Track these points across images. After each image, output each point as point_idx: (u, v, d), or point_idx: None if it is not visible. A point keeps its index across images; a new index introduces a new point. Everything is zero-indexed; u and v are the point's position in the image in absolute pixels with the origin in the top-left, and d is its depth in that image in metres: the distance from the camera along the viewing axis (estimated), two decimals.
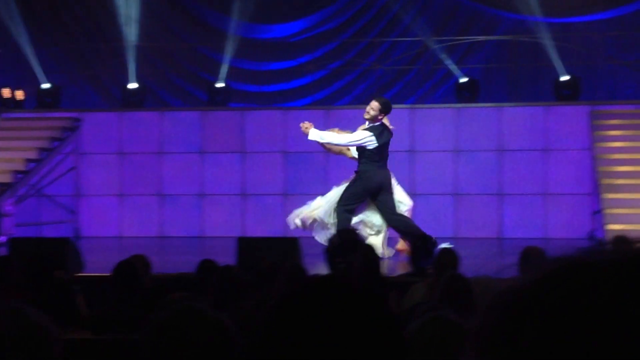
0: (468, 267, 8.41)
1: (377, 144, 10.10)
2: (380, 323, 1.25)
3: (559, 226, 13.52)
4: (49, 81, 15.62)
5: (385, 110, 10.13)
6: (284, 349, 1.21)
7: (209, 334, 2.04)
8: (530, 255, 6.35)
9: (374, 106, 10.15)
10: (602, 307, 0.78)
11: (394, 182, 10.43)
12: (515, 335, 0.81)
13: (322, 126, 14.43)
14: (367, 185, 10.15)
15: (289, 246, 8.81)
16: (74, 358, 4.70)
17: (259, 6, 15.90)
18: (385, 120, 10.26)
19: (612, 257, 0.83)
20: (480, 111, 14.22)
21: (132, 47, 15.72)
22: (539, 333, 0.79)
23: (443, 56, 15.48)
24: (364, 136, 10.16)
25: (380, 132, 10.17)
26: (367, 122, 10.23)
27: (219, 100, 15.35)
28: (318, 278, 1.34)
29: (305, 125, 10.38)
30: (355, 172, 10.33)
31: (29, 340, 2.08)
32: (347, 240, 8.72)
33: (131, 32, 15.89)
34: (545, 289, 0.81)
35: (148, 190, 14.63)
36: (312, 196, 14.31)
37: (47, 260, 6.91)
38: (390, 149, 14.21)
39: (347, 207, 10.26)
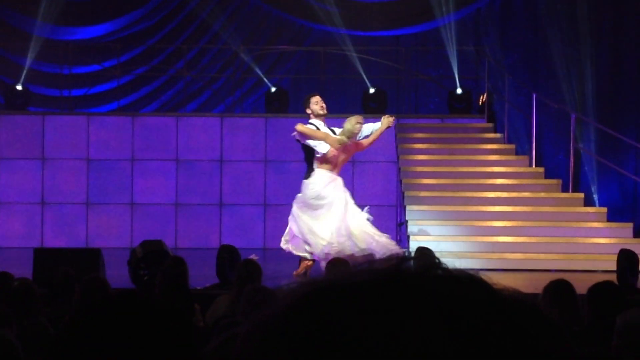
0: (275, 279, 8.37)
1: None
2: (177, 340, 1.22)
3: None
4: None
5: None
6: None
7: None
8: (335, 266, 6.39)
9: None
10: (346, 332, 0.77)
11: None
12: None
13: (129, 133, 14.07)
14: None
15: (89, 258, 8.46)
16: None
17: (63, 7, 15.30)
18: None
19: (366, 277, 0.81)
20: (289, 121, 14.24)
21: None
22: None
23: (252, 65, 15.46)
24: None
25: None
26: (317, 119, 9.87)
27: (17, 104, 14.62)
28: (116, 293, 1.31)
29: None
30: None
31: None
32: (152, 252, 8.48)
33: None
34: (291, 318, 0.80)
35: None
36: (116, 205, 13.93)
37: None
38: (199, 157, 14.09)
39: None
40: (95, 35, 16.26)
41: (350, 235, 9.49)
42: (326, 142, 9.77)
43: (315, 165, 9.92)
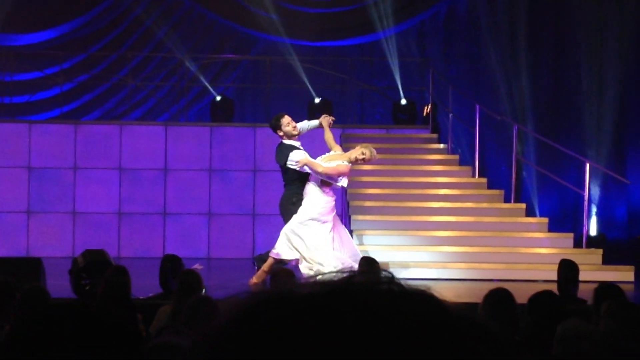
0: (218, 288, 8.32)
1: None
2: (122, 349, 1.21)
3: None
4: None
5: None
6: None
7: None
8: (279, 277, 6.38)
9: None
10: (292, 344, 0.77)
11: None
12: None
13: (71, 141, 13.90)
14: None
15: (30, 267, 8.33)
16: None
17: (5, 14, 15.08)
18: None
19: (316, 289, 0.81)
20: (235, 131, 14.23)
21: None
22: None
23: (197, 73, 15.40)
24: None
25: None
26: (291, 139, 9.81)
27: None
28: (59, 303, 1.29)
29: None
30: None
31: None
32: (94, 262, 8.37)
33: None
34: (237, 328, 0.80)
35: None
36: (58, 214, 13.74)
37: None
38: (143, 166, 13.97)
39: None
40: (37, 41, 16.05)
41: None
42: (341, 173, 9.78)
43: (315, 183, 9.81)
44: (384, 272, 0.85)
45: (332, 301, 0.80)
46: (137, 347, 1.25)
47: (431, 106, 14.32)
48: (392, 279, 0.83)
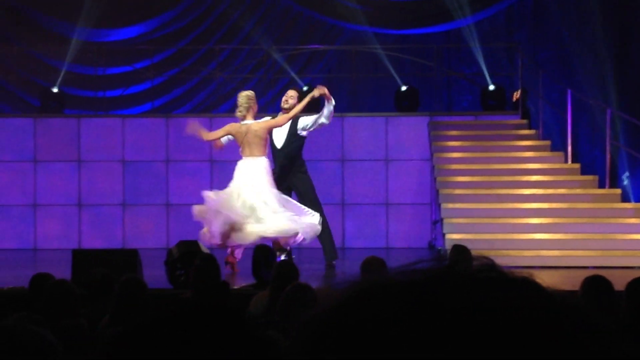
0: (310, 277, 8.37)
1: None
2: (228, 339, 1.17)
3: (399, 236, 13.73)
4: None
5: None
6: None
7: (29, 353, 2.05)
8: (371, 266, 6.37)
9: (293, 94, 10.02)
10: (401, 330, 0.77)
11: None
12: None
13: (163, 134, 14.16)
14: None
15: (126, 258, 8.52)
16: None
17: (97, 10, 15.44)
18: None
19: (418, 277, 0.81)
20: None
21: None
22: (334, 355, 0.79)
23: (284, 65, 15.49)
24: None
25: None
26: (282, 111, 10.00)
27: (53, 106, 14.76)
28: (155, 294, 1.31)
29: None
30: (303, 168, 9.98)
31: None
32: (188, 252, 8.52)
33: None
34: (340, 316, 0.80)
35: None
36: (151, 206, 14.02)
37: None
38: (231, 158, 14.11)
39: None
40: (128, 36, 16.39)
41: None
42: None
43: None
44: (483, 260, 0.84)
45: (434, 289, 0.79)
46: (241, 332, 1.26)
47: (521, 91, 14.10)
48: (492, 266, 0.83)
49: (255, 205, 9.45)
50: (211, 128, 14.18)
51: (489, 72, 15.00)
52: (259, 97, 16.23)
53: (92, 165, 14.07)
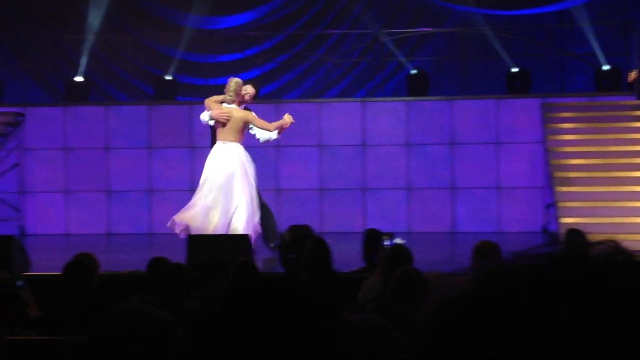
0: (420, 262, 8.34)
1: None
2: (325, 325, 1.24)
3: (511, 220, 13.54)
4: None
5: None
6: (225, 349, 1.20)
7: (150, 333, 2.11)
8: (484, 250, 6.29)
9: (250, 91, 10.27)
10: (538, 315, 0.77)
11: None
12: (455, 344, 0.81)
13: (272, 120, 14.29)
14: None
15: (240, 243, 8.66)
16: (19, 359, 4.54)
17: None
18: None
19: (551, 262, 0.81)
20: (431, 104, 14.17)
21: (79, 41, 15.40)
22: (477, 342, 0.79)
23: (393, 49, 15.42)
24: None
25: None
26: (233, 104, 10.13)
27: (166, 93, 15.09)
28: (262, 278, 1.34)
29: None
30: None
31: None
32: (300, 237, 8.61)
33: (77, 25, 15.55)
34: (482, 298, 0.80)
35: (94, 187, 14.33)
36: (262, 192, 14.19)
37: None
38: (341, 143, 14.18)
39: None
40: (238, 23, 16.60)
41: None
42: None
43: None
44: (609, 243, 0.84)
45: (572, 273, 0.79)
46: (333, 321, 1.27)
47: (637, 71, 13.67)
48: (618, 249, 0.83)
49: (220, 194, 9.64)
50: (321, 113, 14.28)
51: (603, 52, 14.60)
52: (367, 80, 16.28)
53: (205, 151, 14.30)
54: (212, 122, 10.07)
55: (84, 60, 15.21)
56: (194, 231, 9.56)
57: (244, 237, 8.92)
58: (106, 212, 14.28)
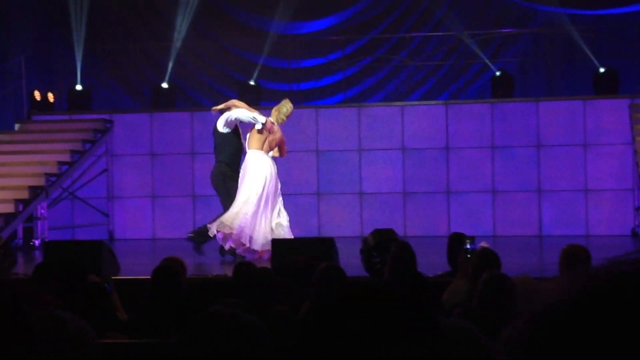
0: (507, 265, 8.24)
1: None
2: (421, 331, 1.22)
3: (600, 223, 13.27)
4: (80, 83, 15.61)
5: None
6: (319, 353, 1.19)
7: (239, 337, 2.13)
8: (573, 255, 6.16)
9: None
10: None
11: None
12: (558, 352, 0.79)
13: (355, 124, 14.32)
14: None
15: (324, 247, 8.66)
16: None
17: (293, 3, 15.79)
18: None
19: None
20: (516, 106, 14.00)
21: (166, 48, 15.68)
22: (583, 350, 0.78)
23: (476, 50, 15.28)
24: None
25: None
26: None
27: (250, 99, 15.23)
28: (358, 284, 1.31)
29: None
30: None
31: (67, 346, 2.15)
32: (383, 240, 8.58)
33: (164, 33, 15.83)
34: (591, 305, 0.79)
35: (181, 192, 14.54)
36: (345, 195, 14.23)
37: (82, 263, 6.81)
38: (424, 146, 14.10)
39: None
40: (320, 28, 16.66)
41: None
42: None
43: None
44: None
45: None
46: (427, 326, 1.25)
47: None
48: None
49: (268, 203, 10.13)
50: (403, 116, 14.23)
51: None
52: (451, 82, 16.16)
53: (287, 156, 14.39)
54: (259, 126, 10.19)
55: (169, 67, 15.47)
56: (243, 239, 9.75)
57: (328, 241, 8.92)
58: (192, 217, 14.47)
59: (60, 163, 13.48)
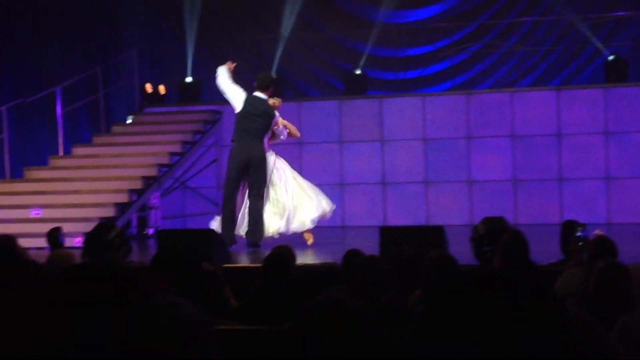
0: (624, 254, 8.01)
1: (237, 110, 10.53)
2: (550, 319, 1.20)
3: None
4: (190, 75, 15.90)
5: (257, 83, 10.79)
6: (440, 344, 1.19)
7: (350, 323, 2.15)
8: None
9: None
10: None
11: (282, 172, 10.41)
12: None
13: (463, 111, 14.15)
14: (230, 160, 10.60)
15: (433, 235, 8.60)
16: (223, 349, 4.70)
17: None
18: (274, 100, 10.75)
19: None
20: (630, 90, 13.59)
21: (273, 39, 15.82)
22: None
23: (588, 35, 14.89)
24: (236, 91, 10.59)
25: (249, 101, 10.51)
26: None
27: (356, 88, 15.24)
28: (474, 272, 1.31)
29: None
30: None
31: (186, 333, 2.20)
32: (493, 229, 8.46)
33: (271, 24, 15.98)
34: None
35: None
36: (453, 183, 14.10)
37: (195, 252, 6.94)
38: (535, 132, 13.83)
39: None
40: (427, 16, 16.52)
41: None
42: None
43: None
44: None
45: None
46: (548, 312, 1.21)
47: None
48: None
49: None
50: (512, 103, 13.99)
51: None
52: (562, 68, 15.80)
53: (394, 144, 14.38)
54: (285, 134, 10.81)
55: (276, 58, 15.60)
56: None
57: (438, 229, 8.86)
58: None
59: (172, 154, 13.76)
